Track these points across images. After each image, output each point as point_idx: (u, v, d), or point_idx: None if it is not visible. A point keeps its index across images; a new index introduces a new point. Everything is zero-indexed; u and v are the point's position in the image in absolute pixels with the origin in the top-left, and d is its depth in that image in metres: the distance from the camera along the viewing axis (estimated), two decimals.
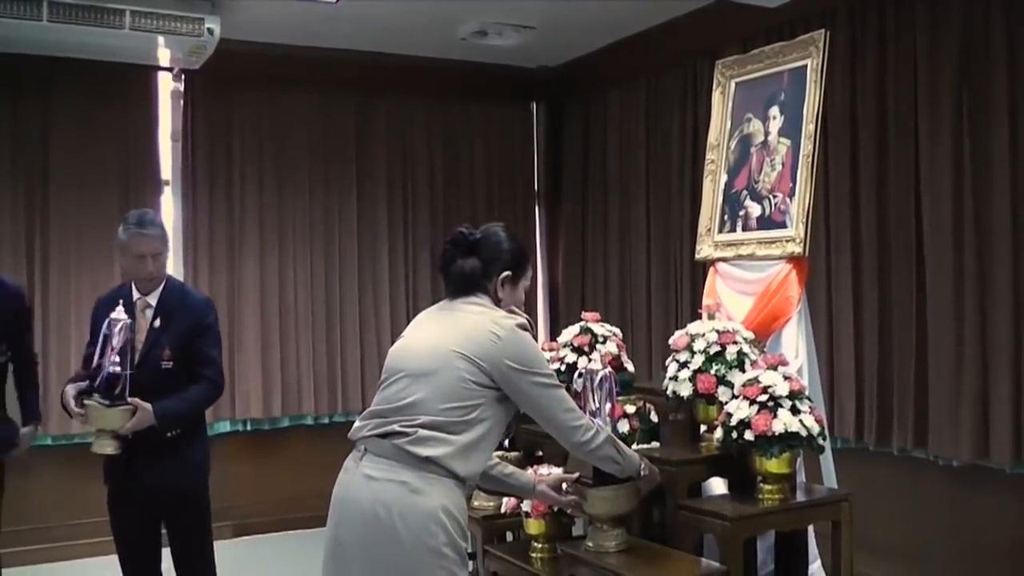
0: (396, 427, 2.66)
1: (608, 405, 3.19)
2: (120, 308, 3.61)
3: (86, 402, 3.56)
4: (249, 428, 6.84)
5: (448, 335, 2.76)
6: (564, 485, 3.24)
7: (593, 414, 3.16)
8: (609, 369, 3.24)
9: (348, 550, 2.67)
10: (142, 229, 3.80)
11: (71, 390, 3.61)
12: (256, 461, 6.82)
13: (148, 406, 3.60)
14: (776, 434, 3.24)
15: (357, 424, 2.79)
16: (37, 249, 6.23)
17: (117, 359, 3.52)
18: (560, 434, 2.87)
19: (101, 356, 3.54)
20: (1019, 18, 4.42)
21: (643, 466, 3.08)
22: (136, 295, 3.83)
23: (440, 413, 2.65)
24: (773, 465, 3.28)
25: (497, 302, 2.90)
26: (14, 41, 5.60)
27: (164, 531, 3.95)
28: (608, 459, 2.95)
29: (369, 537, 2.62)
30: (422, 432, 2.63)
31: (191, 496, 3.90)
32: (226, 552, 4.63)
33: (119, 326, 3.53)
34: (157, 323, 3.77)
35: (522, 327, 2.80)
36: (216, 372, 3.93)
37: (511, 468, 3.20)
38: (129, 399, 3.57)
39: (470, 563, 3.86)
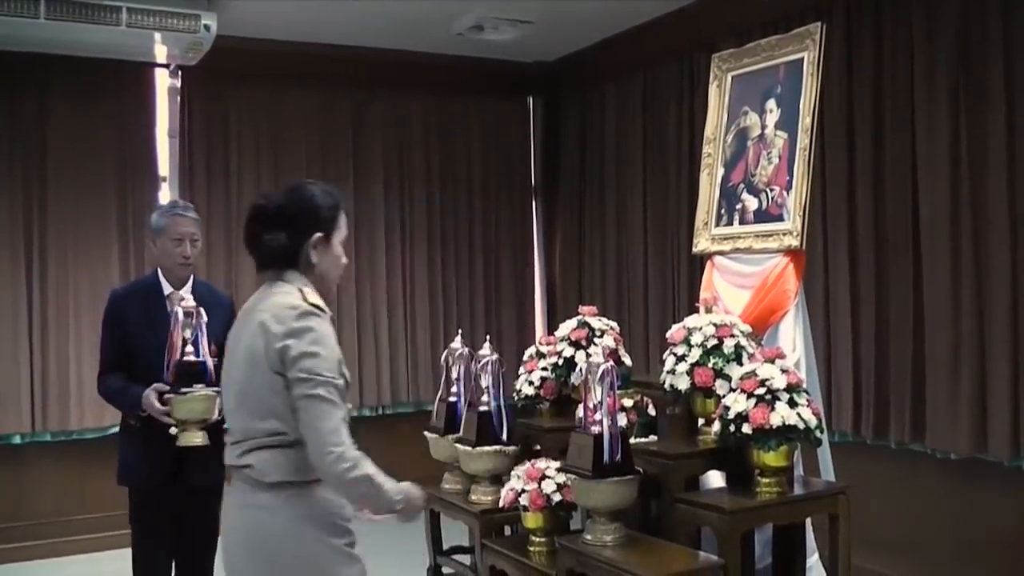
0: (237, 461, 2.60)
1: (608, 399, 3.19)
2: (189, 296, 3.60)
3: (167, 396, 3.51)
4: None
5: (244, 348, 2.58)
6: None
7: (594, 408, 3.17)
8: (611, 363, 3.24)
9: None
10: (183, 211, 3.83)
11: (151, 393, 3.55)
12: None
13: None
14: (774, 427, 3.24)
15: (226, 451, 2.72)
16: (35, 246, 6.22)
17: (191, 348, 3.50)
18: (313, 450, 2.50)
19: (181, 347, 3.50)
20: (1015, 10, 4.42)
21: (400, 500, 2.60)
22: (167, 289, 3.79)
23: (266, 436, 2.53)
24: (771, 458, 3.29)
25: (312, 269, 2.64)
26: (11, 39, 5.61)
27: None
28: (361, 495, 2.58)
29: (248, 563, 2.59)
30: (259, 460, 2.54)
31: (219, 493, 3.89)
32: None
33: (195, 313, 3.50)
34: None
35: (308, 314, 2.53)
36: None
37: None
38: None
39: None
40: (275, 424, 2.52)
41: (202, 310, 3.52)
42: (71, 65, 6.12)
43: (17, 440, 6.12)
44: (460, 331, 4.51)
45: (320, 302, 2.58)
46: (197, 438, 3.53)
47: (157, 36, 5.62)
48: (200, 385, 3.49)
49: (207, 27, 5.59)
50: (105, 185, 6.40)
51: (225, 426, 2.81)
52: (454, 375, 4.18)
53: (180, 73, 6.56)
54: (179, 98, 6.64)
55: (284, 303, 2.54)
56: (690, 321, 3.75)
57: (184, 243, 3.78)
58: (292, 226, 2.60)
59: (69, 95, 6.29)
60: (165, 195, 6.62)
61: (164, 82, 6.64)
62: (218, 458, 3.81)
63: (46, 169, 6.25)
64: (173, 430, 3.53)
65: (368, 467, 2.51)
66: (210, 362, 3.51)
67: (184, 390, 3.47)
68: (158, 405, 3.55)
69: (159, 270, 3.86)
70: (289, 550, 2.53)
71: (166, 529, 3.79)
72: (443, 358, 4.27)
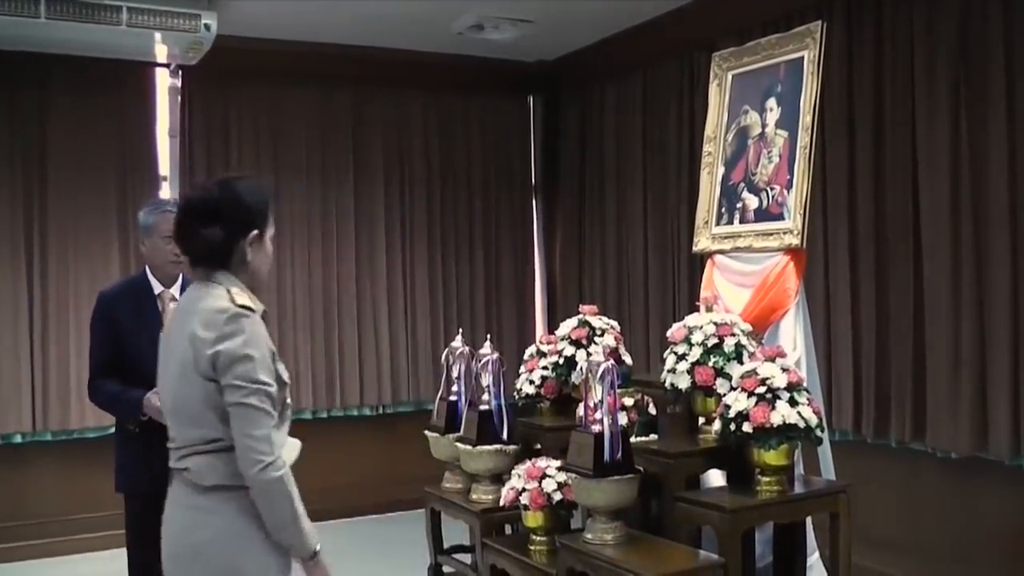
0: (176, 464, 2.59)
1: (608, 397, 3.18)
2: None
3: None
4: None
5: (177, 355, 2.54)
6: None
7: (595, 407, 3.16)
8: (611, 362, 3.24)
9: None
10: (172, 208, 3.78)
11: (154, 396, 3.49)
12: None
13: None
14: (774, 426, 3.24)
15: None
16: (36, 244, 6.22)
17: None
18: (241, 456, 2.46)
19: None
20: (1016, 6, 4.42)
21: (320, 550, 2.57)
22: (158, 288, 3.77)
23: (204, 443, 2.51)
24: (771, 457, 3.29)
25: (245, 267, 2.60)
26: (12, 39, 5.61)
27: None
28: (280, 518, 2.48)
29: (185, 563, 2.57)
30: (195, 464, 2.52)
31: None
32: None
33: None
34: None
35: (237, 316, 2.48)
36: None
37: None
38: None
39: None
40: (209, 432, 2.50)
41: None
42: (71, 64, 6.12)
43: (18, 439, 6.13)
44: (460, 330, 4.51)
45: (249, 301, 2.54)
46: None
47: (157, 36, 5.62)
48: None
49: (207, 27, 5.59)
50: (105, 184, 6.40)
51: None
52: (455, 374, 4.18)
53: (180, 72, 6.56)
54: (179, 97, 6.64)
55: (213, 307, 2.50)
56: (691, 320, 3.75)
57: (173, 241, 3.75)
58: (228, 222, 2.56)
59: (69, 94, 6.29)
60: (165, 194, 6.62)
61: (164, 81, 6.64)
62: None
63: (47, 168, 6.25)
64: None
65: (294, 491, 2.48)
66: None
67: None
68: (160, 405, 3.53)
69: (147, 268, 3.83)
70: (227, 555, 2.51)
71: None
72: (444, 357, 4.28)
